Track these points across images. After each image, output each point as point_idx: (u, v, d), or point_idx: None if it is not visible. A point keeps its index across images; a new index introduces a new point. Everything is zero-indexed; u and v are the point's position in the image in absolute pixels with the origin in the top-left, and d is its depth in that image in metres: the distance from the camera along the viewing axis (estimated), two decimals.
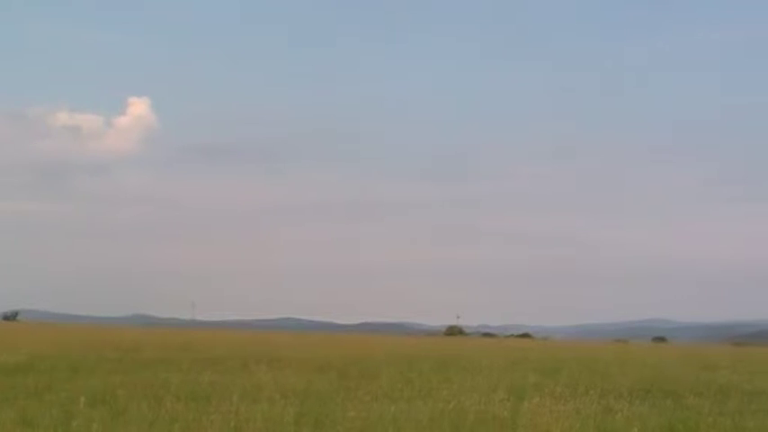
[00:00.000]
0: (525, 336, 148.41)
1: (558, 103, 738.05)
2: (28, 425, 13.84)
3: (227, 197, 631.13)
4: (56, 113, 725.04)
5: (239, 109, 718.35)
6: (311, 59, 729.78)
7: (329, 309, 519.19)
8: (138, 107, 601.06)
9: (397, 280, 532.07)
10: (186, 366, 26.63)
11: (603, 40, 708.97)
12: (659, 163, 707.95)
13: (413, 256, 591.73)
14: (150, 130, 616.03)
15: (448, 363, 34.59)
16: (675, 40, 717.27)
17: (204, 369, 25.84)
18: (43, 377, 21.95)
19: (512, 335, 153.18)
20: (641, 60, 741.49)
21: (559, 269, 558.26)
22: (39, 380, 20.99)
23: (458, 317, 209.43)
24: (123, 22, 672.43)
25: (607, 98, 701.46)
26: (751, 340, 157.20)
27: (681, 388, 23.87)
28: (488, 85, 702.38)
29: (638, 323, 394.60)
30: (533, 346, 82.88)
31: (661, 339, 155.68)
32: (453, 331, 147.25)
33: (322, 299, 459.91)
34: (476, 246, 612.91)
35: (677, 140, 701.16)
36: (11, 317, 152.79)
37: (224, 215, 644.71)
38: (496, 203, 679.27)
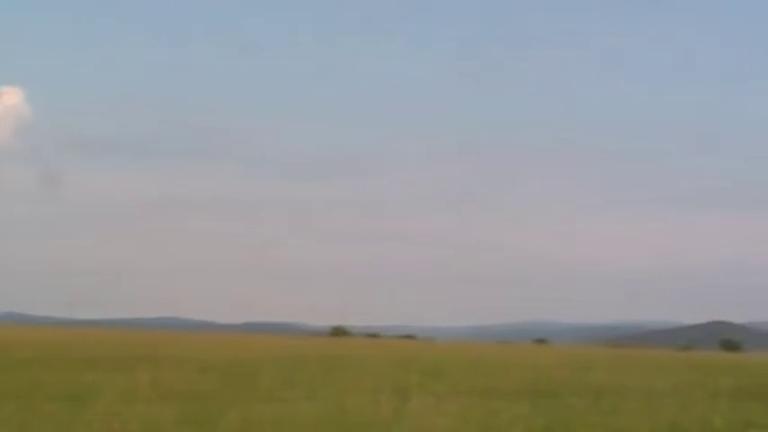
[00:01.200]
0: (410, 336, 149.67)
1: (449, 104, 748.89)
2: None
3: (106, 192, 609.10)
4: None
5: (120, 101, 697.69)
6: (192, 54, 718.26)
7: (212, 308, 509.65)
8: (10, 97, 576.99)
9: (281, 279, 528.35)
10: (61, 366, 25.74)
11: (510, 39, 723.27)
12: (543, 165, 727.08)
13: (297, 254, 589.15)
14: (23, 121, 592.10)
15: (332, 363, 34.45)
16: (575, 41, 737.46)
17: (80, 369, 25.03)
18: None
19: (397, 335, 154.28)
20: (546, 59, 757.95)
21: (444, 270, 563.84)
22: None
23: (343, 317, 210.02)
24: None
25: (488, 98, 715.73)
26: (630, 342, 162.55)
27: (561, 388, 24.34)
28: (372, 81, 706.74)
29: (522, 325, 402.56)
30: (418, 346, 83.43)
31: (543, 341, 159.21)
32: (338, 331, 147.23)
33: (204, 297, 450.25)
34: (360, 246, 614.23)
35: (568, 141, 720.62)
36: None
37: (102, 211, 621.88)
38: (381, 203, 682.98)
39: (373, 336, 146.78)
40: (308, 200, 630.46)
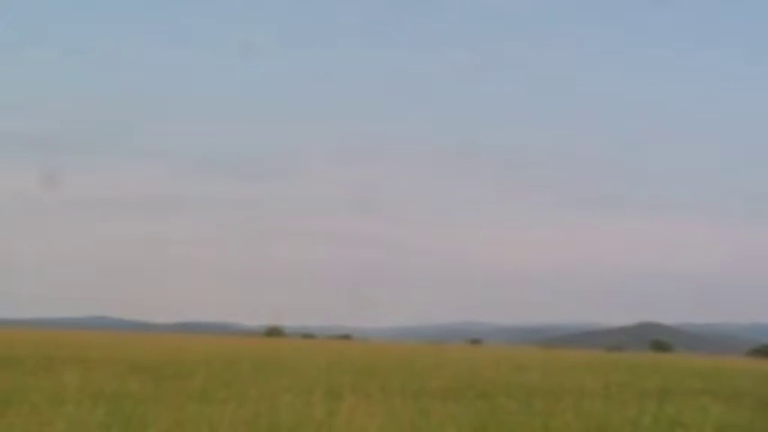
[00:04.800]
0: (345, 337, 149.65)
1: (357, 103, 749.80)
2: None
3: (27, 189, 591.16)
4: None
5: (22, 95, 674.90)
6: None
7: (144, 307, 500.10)
8: None
9: (215, 278, 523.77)
10: None
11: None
12: (467, 165, 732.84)
13: (231, 254, 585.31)
14: None
15: (266, 363, 34.24)
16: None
17: (2, 370, 24.43)
18: None
19: (332, 336, 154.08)
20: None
21: (376, 271, 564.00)
22: None
23: (278, 317, 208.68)
24: None
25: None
26: (560, 343, 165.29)
27: (493, 389, 24.50)
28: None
29: (455, 325, 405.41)
30: (352, 347, 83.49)
31: (476, 341, 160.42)
32: (273, 332, 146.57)
33: (136, 296, 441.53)
34: (295, 246, 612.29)
35: (492, 145, 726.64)
36: None
37: (24, 207, 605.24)
38: (310, 203, 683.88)
39: (308, 336, 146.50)
40: (237, 199, 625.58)
